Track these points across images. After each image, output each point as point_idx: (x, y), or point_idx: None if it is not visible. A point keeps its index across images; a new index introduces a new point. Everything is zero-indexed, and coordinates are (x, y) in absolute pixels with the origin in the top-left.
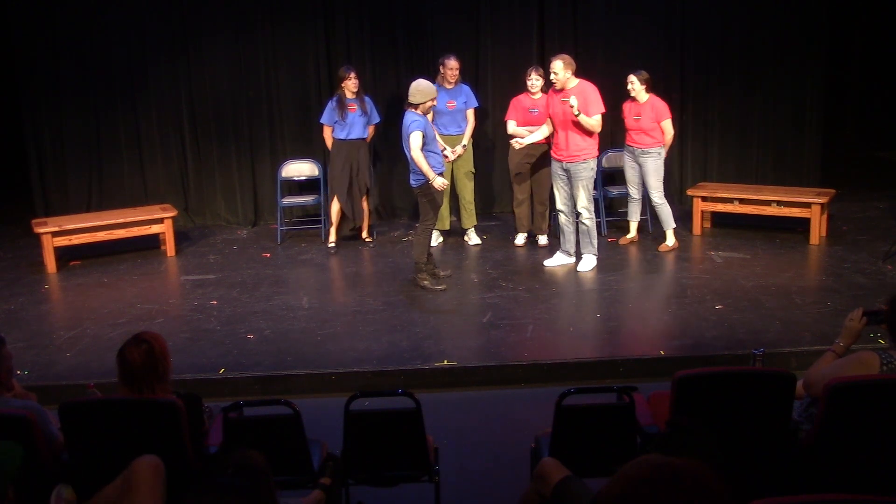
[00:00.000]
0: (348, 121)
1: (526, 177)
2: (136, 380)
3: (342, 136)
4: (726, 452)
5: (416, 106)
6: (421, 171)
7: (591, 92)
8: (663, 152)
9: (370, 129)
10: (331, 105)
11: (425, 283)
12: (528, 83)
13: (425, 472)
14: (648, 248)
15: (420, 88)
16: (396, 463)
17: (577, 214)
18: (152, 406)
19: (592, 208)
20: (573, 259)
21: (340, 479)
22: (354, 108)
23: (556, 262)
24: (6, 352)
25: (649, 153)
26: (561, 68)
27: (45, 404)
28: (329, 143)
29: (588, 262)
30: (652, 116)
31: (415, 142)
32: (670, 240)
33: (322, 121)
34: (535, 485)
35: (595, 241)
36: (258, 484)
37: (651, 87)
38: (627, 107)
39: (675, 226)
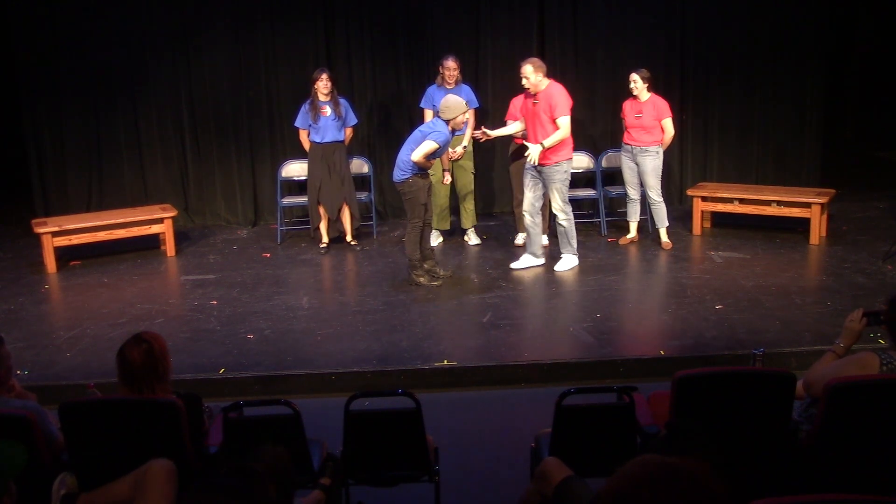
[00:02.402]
0: (320, 124)
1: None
2: (136, 380)
3: (317, 140)
4: (725, 453)
5: (448, 121)
6: (417, 164)
7: (559, 95)
8: (661, 151)
9: (347, 132)
10: (304, 108)
11: (421, 279)
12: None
13: (425, 472)
14: (648, 248)
15: (450, 105)
16: (396, 463)
17: (553, 216)
18: (152, 406)
19: (569, 210)
20: (541, 261)
21: (340, 479)
22: (327, 111)
23: (523, 264)
24: (5, 351)
25: (648, 151)
26: (531, 72)
27: (45, 404)
28: (306, 145)
29: (566, 262)
30: (654, 115)
31: (426, 147)
32: (664, 237)
33: (296, 124)
34: (536, 484)
35: (574, 242)
36: (255, 484)
37: (652, 86)
38: (628, 105)
39: (668, 224)
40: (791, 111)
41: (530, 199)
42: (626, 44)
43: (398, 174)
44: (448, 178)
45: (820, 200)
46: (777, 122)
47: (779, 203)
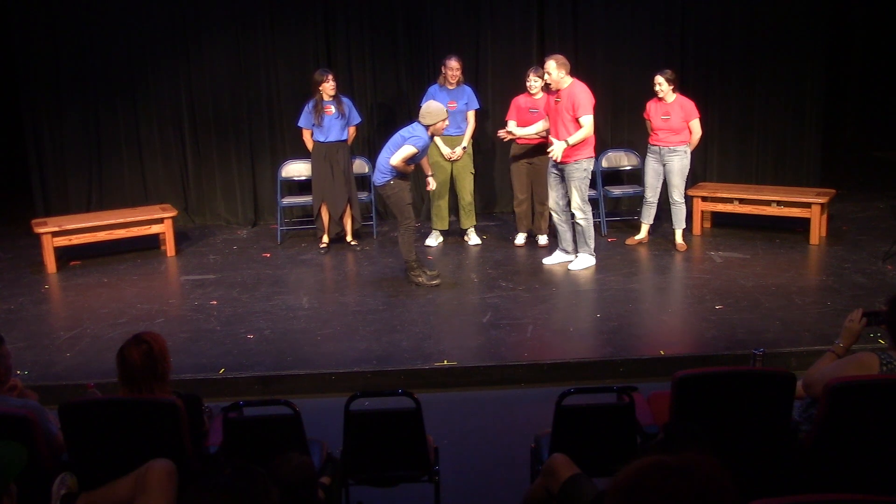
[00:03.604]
0: (325, 124)
1: (526, 176)
2: (136, 380)
3: (321, 139)
4: (724, 453)
5: (427, 126)
6: (396, 169)
7: (581, 93)
8: (689, 151)
9: (350, 131)
10: (307, 108)
11: (420, 279)
12: (528, 84)
13: (425, 472)
14: (651, 249)
15: (430, 110)
16: (396, 463)
17: (572, 215)
18: (152, 406)
19: (588, 209)
20: (572, 257)
21: (340, 479)
22: (331, 110)
23: (555, 260)
24: (5, 350)
25: (676, 151)
26: (554, 68)
27: (45, 404)
28: (310, 145)
29: (582, 261)
30: (682, 116)
31: (404, 152)
32: (679, 238)
33: (299, 124)
34: (543, 480)
35: (591, 242)
36: (256, 486)
37: (677, 87)
38: (653, 107)
39: (685, 226)
40: (791, 111)
41: (555, 197)
42: (626, 44)
43: (379, 177)
44: (432, 184)
45: (820, 200)
46: (777, 123)
47: (779, 203)
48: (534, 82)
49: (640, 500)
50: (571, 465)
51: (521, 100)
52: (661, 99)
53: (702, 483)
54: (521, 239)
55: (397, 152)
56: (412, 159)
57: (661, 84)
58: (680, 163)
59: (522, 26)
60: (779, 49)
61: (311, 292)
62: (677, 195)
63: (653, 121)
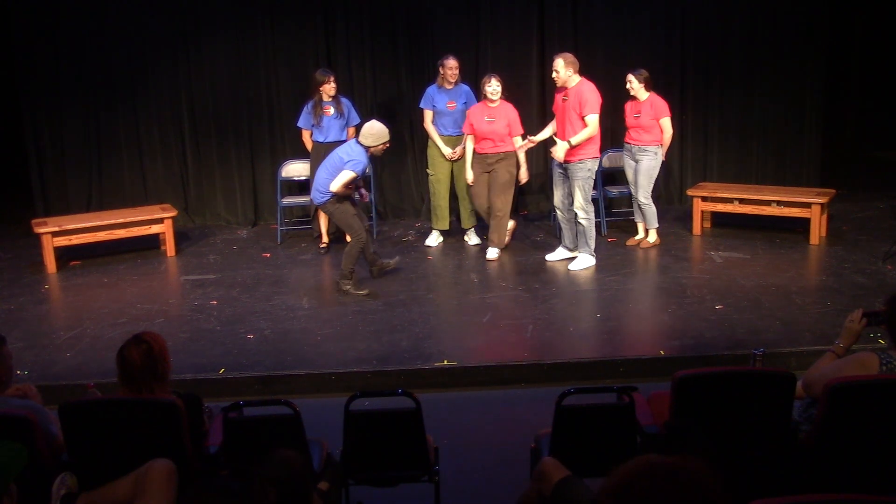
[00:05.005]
0: (324, 124)
1: (485, 186)
2: (136, 380)
3: (320, 140)
4: (724, 452)
5: (367, 147)
6: (333, 190)
7: (589, 92)
8: (661, 152)
9: (350, 131)
10: (306, 109)
11: (348, 287)
12: (488, 90)
13: (425, 472)
14: (650, 249)
15: (373, 132)
16: (396, 463)
17: (575, 214)
18: (152, 406)
19: (591, 209)
20: (575, 254)
21: (340, 479)
22: (330, 111)
23: (557, 256)
24: (6, 351)
25: (646, 151)
26: (562, 66)
27: (45, 404)
28: (309, 146)
29: (582, 261)
30: (651, 114)
31: (344, 178)
32: (652, 236)
33: (299, 125)
34: (535, 484)
35: (592, 242)
36: (254, 488)
37: (651, 86)
38: (628, 106)
39: (657, 226)
40: (791, 111)
41: (559, 196)
42: (626, 44)
43: (318, 196)
44: (366, 197)
45: (820, 200)
46: (777, 123)
47: (779, 203)
48: (495, 87)
49: (629, 502)
50: (561, 468)
51: (476, 110)
52: (635, 98)
53: (689, 485)
54: (493, 253)
55: (337, 178)
56: (352, 182)
57: (632, 82)
58: (648, 163)
59: (522, 26)
60: (779, 49)
61: (311, 292)
62: (643, 196)
63: (626, 119)
